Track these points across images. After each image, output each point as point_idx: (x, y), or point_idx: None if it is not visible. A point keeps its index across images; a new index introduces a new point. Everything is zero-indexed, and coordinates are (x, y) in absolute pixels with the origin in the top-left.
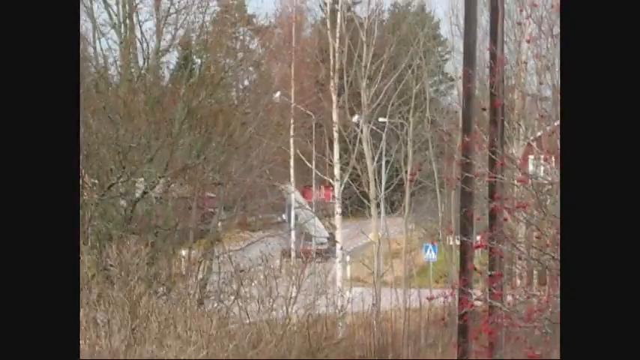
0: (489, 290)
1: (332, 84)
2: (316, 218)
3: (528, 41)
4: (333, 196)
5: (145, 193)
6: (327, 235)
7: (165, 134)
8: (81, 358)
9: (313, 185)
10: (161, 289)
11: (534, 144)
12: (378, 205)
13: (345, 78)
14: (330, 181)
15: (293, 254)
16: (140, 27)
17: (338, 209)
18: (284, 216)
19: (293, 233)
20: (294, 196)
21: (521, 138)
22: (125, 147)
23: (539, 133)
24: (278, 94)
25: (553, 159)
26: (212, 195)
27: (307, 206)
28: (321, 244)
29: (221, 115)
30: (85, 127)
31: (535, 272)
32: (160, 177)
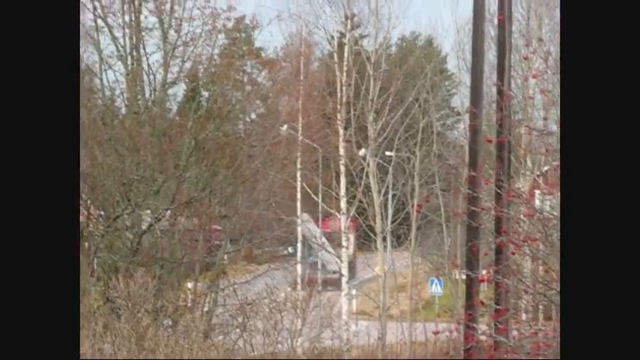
0: (495, 325)
1: (339, 117)
2: (324, 251)
3: (534, 76)
4: (348, 227)
5: (150, 225)
6: (337, 267)
7: (172, 166)
8: None
9: (319, 218)
10: (167, 321)
11: (540, 178)
12: (384, 239)
13: (352, 111)
14: (337, 214)
15: (299, 286)
16: (147, 59)
17: (344, 243)
18: (290, 249)
19: (299, 266)
20: (310, 226)
21: (528, 172)
22: (131, 179)
23: (545, 168)
24: (285, 127)
25: (559, 194)
26: (218, 227)
27: (319, 236)
28: (333, 272)
29: (228, 148)
30: (90, 158)
31: (541, 307)
32: (166, 209)
